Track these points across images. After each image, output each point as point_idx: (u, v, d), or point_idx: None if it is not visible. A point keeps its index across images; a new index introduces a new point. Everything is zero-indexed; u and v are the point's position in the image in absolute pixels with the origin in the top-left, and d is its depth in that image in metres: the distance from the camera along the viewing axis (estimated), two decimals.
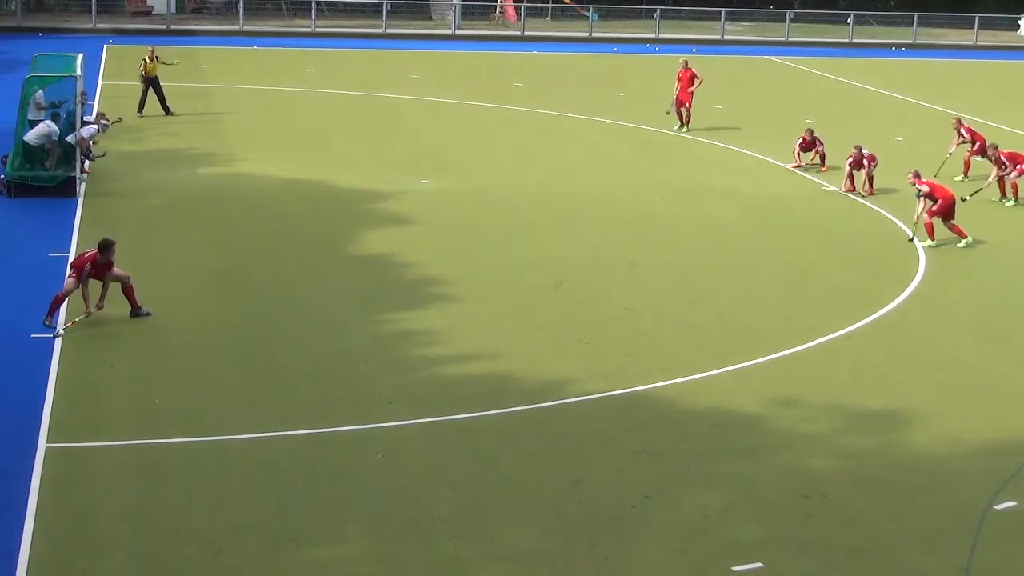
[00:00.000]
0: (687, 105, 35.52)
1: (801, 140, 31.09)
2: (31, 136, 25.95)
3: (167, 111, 34.88)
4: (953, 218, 24.67)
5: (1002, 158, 28.28)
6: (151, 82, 35.07)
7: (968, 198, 27.61)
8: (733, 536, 13.09)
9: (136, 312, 18.80)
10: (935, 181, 25.84)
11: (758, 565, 12.50)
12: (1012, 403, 16.97)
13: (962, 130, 31.08)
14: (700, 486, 14.16)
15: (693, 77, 35.36)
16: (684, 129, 35.39)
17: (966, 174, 30.40)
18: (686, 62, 35.89)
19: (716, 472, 14.54)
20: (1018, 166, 28.20)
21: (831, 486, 14.28)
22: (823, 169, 30.49)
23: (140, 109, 34.92)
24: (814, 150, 30.99)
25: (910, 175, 25.31)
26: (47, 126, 26.05)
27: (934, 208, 24.54)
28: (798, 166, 30.97)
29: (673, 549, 12.75)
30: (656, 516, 13.43)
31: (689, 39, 61.39)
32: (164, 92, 35.08)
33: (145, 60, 35.18)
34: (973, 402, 16.99)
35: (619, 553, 12.66)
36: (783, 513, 13.61)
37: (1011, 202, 28.30)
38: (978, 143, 30.57)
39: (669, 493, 13.96)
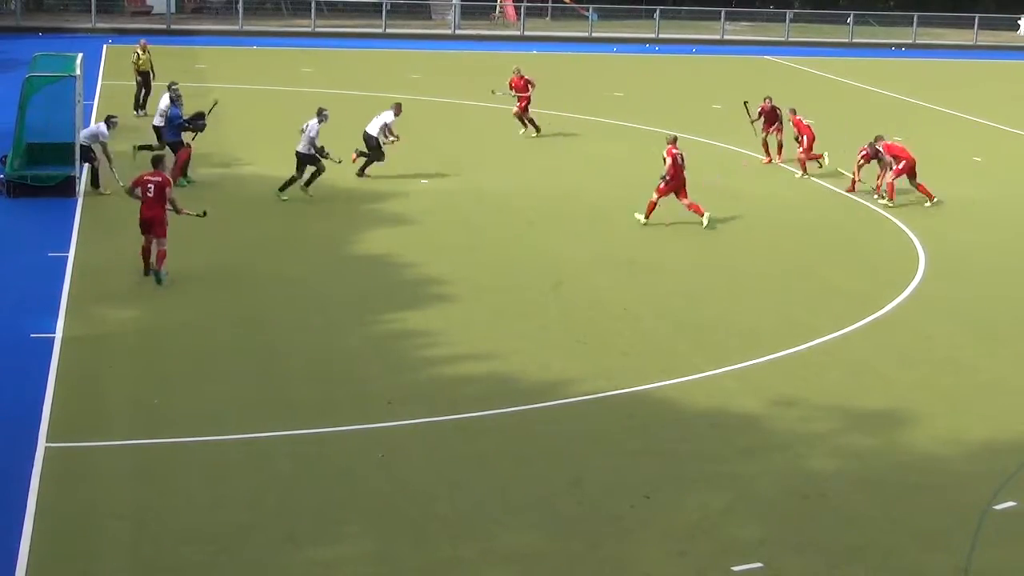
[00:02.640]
0: (522, 113, 34.16)
1: (760, 109, 30.68)
2: (83, 136, 26.07)
3: (144, 109, 35.01)
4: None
5: (881, 151, 27.82)
6: (144, 76, 35.21)
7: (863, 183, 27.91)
8: (733, 536, 13.10)
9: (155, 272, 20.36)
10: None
11: (757, 565, 12.51)
12: (1011, 403, 16.98)
13: (793, 121, 30.18)
14: (699, 486, 14.17)
15: (527, 84, 34.09)
16: (531, 133, 34.15)
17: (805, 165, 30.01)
18: (518, 69, 34.50)
19: (715, 472, 14.54)
20: (895, 166, 27.70)
21: (830, 486, 14.29)
22: (800, 153, 29.96)
23: (137, 107, 34.99)
24: (776, 125, 30.21)
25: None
26: (97, 127, 26.19)
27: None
28: (769, 160, 30.88)
29: (672, 549, 12.76)
30: (655, 516, 13.44)
31: (689, 39, 61.46)
32: (150, 91, 35.17)
33: (137, 53, 35.37)
34: (972, 402, 16.99)
35: (618, 553, 12.67)
36: (782, 513, 13.62)
37: (882, 199, 27.86)
38: (807, 137, 29.84)
39: (668, 493, 13.97)
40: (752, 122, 31.31)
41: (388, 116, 28.04)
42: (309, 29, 58.78)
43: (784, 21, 64.66)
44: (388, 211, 25.67)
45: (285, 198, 26.03)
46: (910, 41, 64.56)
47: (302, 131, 26.18)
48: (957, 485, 14.47)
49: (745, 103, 31.78)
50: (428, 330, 18.90)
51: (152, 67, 35.82)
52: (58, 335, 18.00)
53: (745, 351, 18.44)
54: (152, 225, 20.35)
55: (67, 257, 21.64)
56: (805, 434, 15.72)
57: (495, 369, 17.45)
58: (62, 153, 26.19)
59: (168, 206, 20.48)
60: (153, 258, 20.48)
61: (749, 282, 21.92)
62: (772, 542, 12.99)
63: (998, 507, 13.89)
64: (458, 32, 61.20)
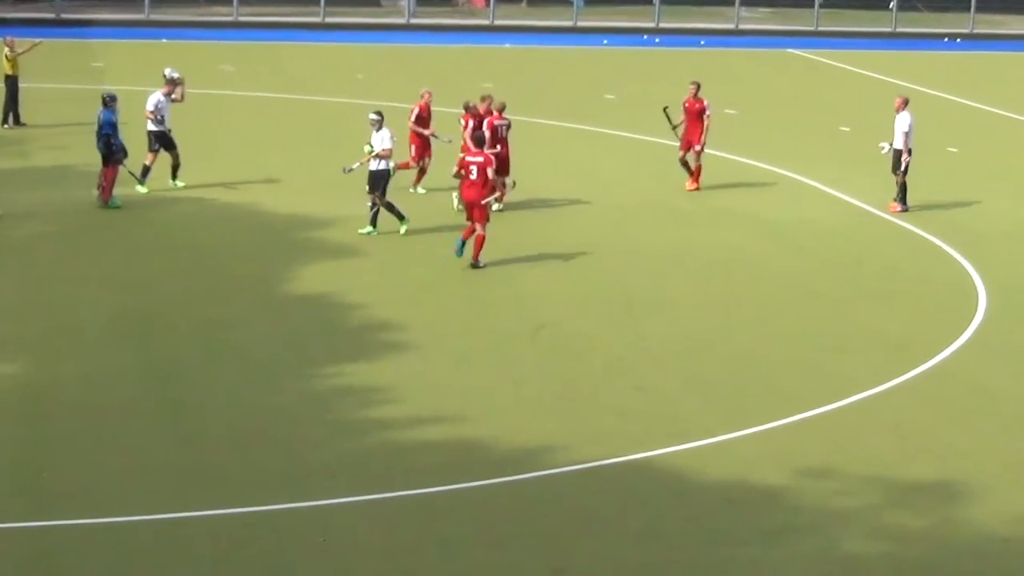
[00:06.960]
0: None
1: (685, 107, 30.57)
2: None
3: (16, 120, 34.83)
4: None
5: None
6: (11, 83, 34.90)
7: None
8: None
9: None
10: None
11: None
12: None
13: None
14: (713, 575, 14.27)
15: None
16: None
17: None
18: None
19: (731, 558, 14.63)
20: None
21: (872, 575, 14.39)
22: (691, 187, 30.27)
23: (12, 119, 34.75)
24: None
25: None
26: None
27: None
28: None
29: None
30: None
31: (696, 28, 61.54)
32: (19, 99, 34.93)
33: (5, 55, 35.10)
34: None
35: None
36: None
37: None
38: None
39: None
40: (674, 127, 30.88)
41: None
42: (230, 19, 58.76)
43: (812, 7, 64.68)
44: (329, 240, 25.68)
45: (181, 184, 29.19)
46: (967, 31, 64.74)
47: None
48: (1023, 572, 14.62)
49: (665, 109, 31.57)
50: (378, 386, 18.97)
51: (17, 69, 35.36)
52: None
53: (767, 410, 18.55)
54: (471, 208, 24.13)
55: None
56: (840, 512, 15.82)
57: (460, 434, 17.52)
58: None
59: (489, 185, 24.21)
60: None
61: (770, 325, 22.04)
62: None
63: None
64: (413, 21, 61.24)
